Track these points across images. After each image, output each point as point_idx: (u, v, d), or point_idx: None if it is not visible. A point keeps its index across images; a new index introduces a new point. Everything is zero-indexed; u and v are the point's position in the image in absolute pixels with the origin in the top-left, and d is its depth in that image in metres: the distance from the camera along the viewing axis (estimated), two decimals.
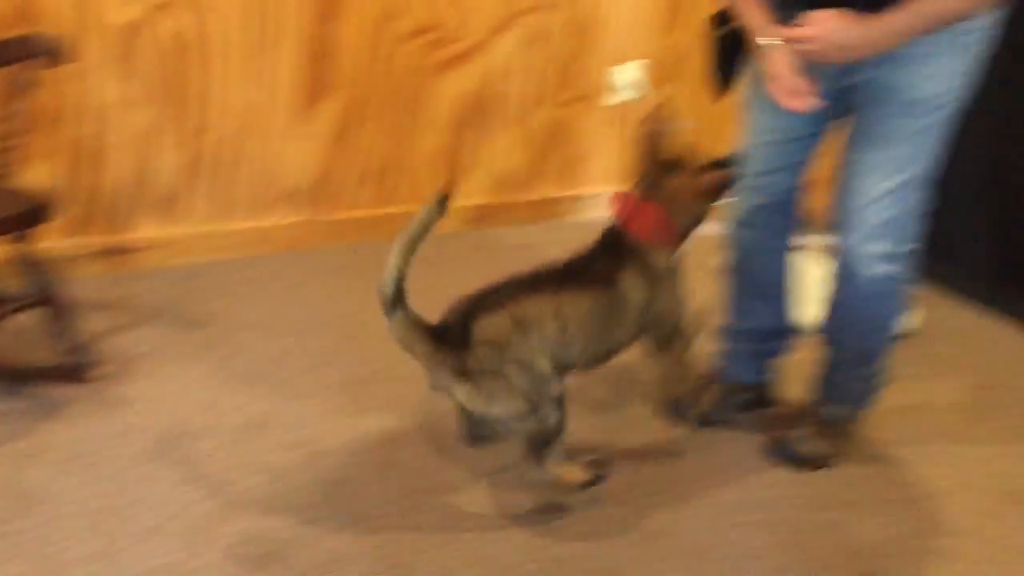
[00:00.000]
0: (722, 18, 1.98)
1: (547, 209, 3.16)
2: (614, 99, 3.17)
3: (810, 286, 2.59)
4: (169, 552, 1.64)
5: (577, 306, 1.75)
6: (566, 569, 1.71)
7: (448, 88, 2.83)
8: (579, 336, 1.76)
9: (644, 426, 2.15)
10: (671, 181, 1.84)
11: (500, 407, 1.68)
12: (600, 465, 1.87)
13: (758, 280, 2.14)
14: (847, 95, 1.88)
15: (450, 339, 1.68)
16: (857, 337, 2.05)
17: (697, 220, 1.90)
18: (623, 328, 1.83)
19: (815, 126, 1.98)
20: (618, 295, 1.79)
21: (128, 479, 1.80)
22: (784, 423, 2.16)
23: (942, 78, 1.80)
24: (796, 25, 1.75)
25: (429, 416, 2.09)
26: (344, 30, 2.59)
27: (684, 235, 1.89)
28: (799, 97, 1.83)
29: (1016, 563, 1.87)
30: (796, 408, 2.20)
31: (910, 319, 2.71)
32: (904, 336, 2.66)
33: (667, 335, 1.91)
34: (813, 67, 1.84)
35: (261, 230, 2.66)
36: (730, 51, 2.00)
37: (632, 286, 1.80)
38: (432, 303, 2.53)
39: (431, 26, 2.72)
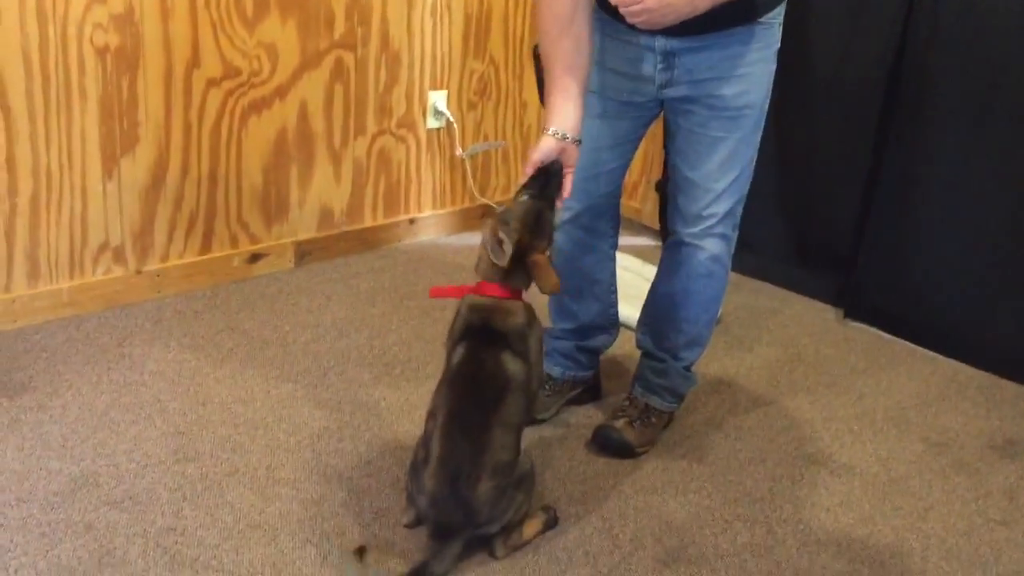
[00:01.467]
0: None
1: (372, 238, 3.24)
2: (429, 125, 3.28)
3: (630, 286, 2.77)
4: None
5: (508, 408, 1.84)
6: None
7: (263, 129, 2.88)
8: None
9: None
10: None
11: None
12: (546, 507, 1.98)
13: (582, 280, 2.29)
14: (674, 105, 2.06)
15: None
16: (687, 320, 2.22)
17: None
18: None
19: (632, 133, 2.15)
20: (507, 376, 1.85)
21: None
22: (607, 414, 2.31)
23: (758, 86, 2.04)
24: None
25: (256, 456, 2.14)
26: (145, 82, 2.61)
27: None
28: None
29: (812, 521, 2.06)
30: (620, 399, 2.34)
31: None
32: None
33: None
34: (639, 86, 2.01)
35: (80, 288, 2.65)
36: None
37: (514, 362, 1.86)
38: (266, 344, 2.58)
39: (237, 70, 2.77)
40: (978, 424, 2.48)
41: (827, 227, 3.09)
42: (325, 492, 2.03)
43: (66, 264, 2.62)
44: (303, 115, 2.97)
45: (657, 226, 3.50)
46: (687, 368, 2.29)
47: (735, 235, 2.17)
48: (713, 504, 2.09)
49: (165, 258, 2.81)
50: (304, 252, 3.09)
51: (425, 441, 1.84)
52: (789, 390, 2.59)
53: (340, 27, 2.96)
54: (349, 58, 3.02)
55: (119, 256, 2.71)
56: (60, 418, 2.21)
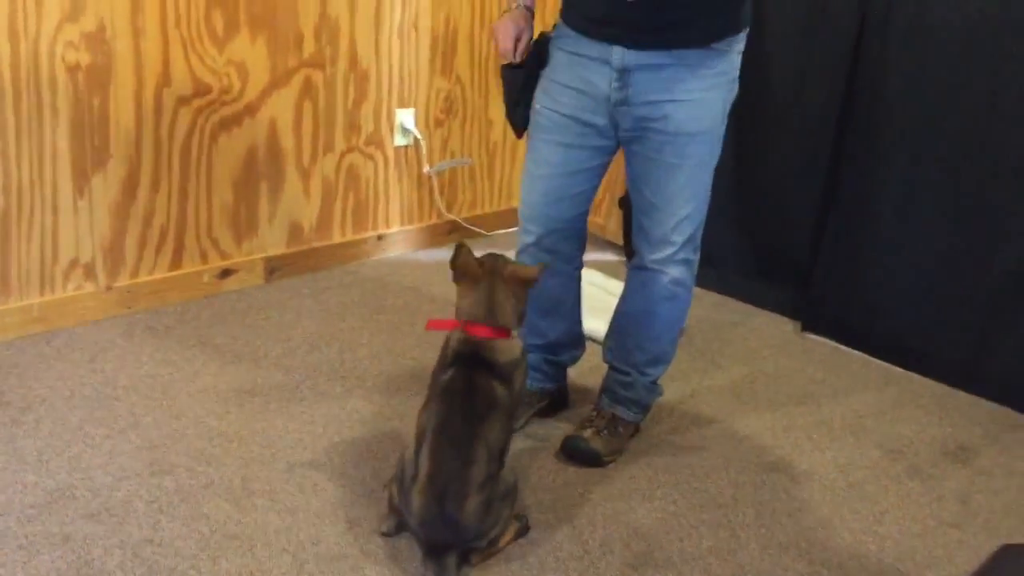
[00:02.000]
0: (510, 70, 2.20)
1: (341, 253, 3.28)
2: (397, 143, 3.34)
3: (595, 300, 2.84)
4: None
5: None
6: None
7: (233, 146, 2.92)
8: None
9: None
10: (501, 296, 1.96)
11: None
12: (518, 515, 2.02)
13: (549, 300, 2.34)
14: (629, 134, 2.12)
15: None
16: (651, 340, 2.29)
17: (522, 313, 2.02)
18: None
19: (596, 159, 2.20)
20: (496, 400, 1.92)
21: None
22: (576, 425, 2.37)
23: (715, 112, 2.11)
24: None
25: (231, 468, 2.17)
26: (115, 101, 2.64)
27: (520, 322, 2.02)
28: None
29: (773, 526, 2.13)
30: (587, 410, 2.41)
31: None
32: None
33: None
34: (595, 104, 2.08)
35: (50, 304, 2.66)
36: (519, 96, 2.22)
37: (498, 388, 1.92)
38: (238, 359, 2.62)
39: (207, 88, 2.81)
40: (931, 432, 2.58)
41: (785, 243, 3.19)
42: (300, 503, 2.06)
43: (36, 280, 2.63)
44: (273, 132, 3.01)
45: (621, 242, 3.58)
46: (653, 382, 2.36)
47: (696, 257, 2.24)
48: (679, 510, 2.16)
49: (135, 274, 2.82)
50: (274, 267, 3.12)
51: (413, 460, 1.88)
52: (751, 400, 2.67)
53: (309, 46, 3.01)
54: (318, 76, 3.07)
55: (90, 272, 2.73)
56: (34, 433, 2.22)
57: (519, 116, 2.23)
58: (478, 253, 2.01)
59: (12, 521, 1.93)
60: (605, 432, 2.30)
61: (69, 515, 1.96)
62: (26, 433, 2.22)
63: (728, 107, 2.13)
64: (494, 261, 2.00)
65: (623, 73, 2.04)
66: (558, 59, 2.14)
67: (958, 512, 2.23)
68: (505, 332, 1.97)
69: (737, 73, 2.12)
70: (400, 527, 1.94)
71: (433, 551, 1.84)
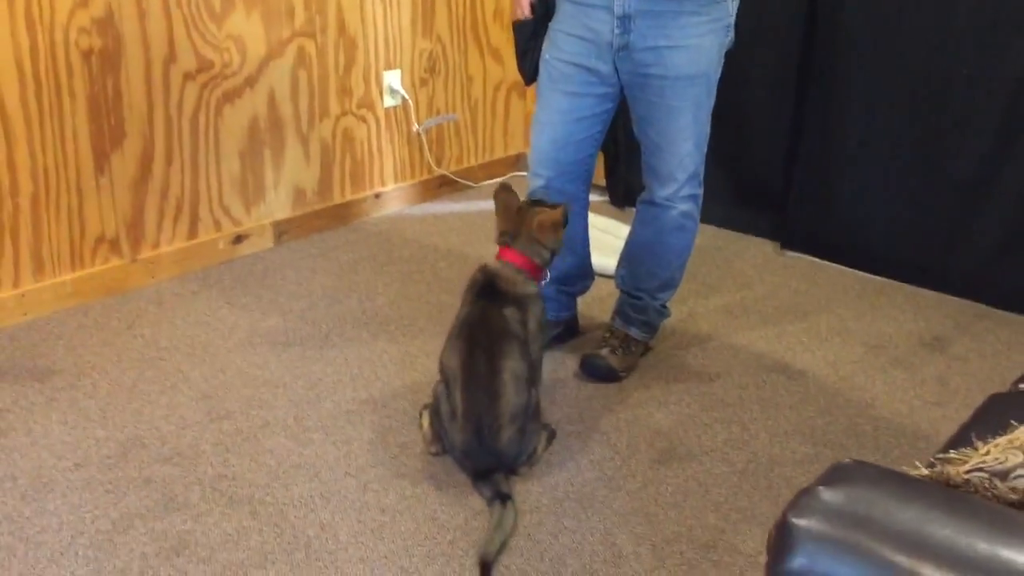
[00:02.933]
0: (519, 23, 2.39)
1: (342, 213, 3.45)
2: (386, 104, 3.50)
3: (598, 236, 3.06)
4: (87, 562, 1.85)
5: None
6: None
7: (237, 117, 3.06)
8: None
9: None
10: (528, 233, 2.16)
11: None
12: (544, 424, 2.23)
13: None
14: (631, 78, 2.29)
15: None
16: (661, 267, 2.51)
17: (553, 252, 2.22)
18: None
19: (601, 106, 2.37)
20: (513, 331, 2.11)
21: (24, 515, 1.97)
22: (590, 345, 2.59)
23: (713, 55, 2.30)
24: None
25: (282, 410, 2.36)
26: (127, 81, 2.77)
27: (545, 266, 2.22)
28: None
29: (778, 417, 2.37)
30: (599, 333, 2.62)
31: None
32: None
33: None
34: (598, 51, 2.24)
35: (81, 279, 2.81)
36: (527, 46, 2.40)
37: (513, 318, 2.11)
38: (266, 315, 2.80)
39: (210, 63, 2.95)
40: (908, 327, 2.83)
41: (760, 169, 3.41)
42: (352, 434, 2.26)
43: (67, 257, 2.78)
44: (272, 102, 3.16)
45: (603, 183, 3.78)
46: (662, 305, 2.58)
47: (700, 191, 2.45)
48: (692, 412, 2.39)
49: (157, 245, 2.98)
50: (282, 231, 3.29)
51: (446, 394, 2.07)
52: (743, 315, 2.90)
53: (300, 16, 3.16)
54: (310, 45, 3.21)
55: (115, 246, 2.88)
56: (93, 394, 2.39)
57: (528, 66, 2.42)
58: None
59: (94, 470, 2.11)
60: (620, 350, 2.51)
61: (144, 460, 2.15)
62: (86, 395, 2.39)
63: (723, 52, 2.32)
64: (528, 208, 2.19)
65: (624, 20, 2.22)
66: (563, 9, 2.32)
67: (939, 392, 2.49)
68: (534, 268, 2.17)
69: (732, 20, 2.30)
70: (444, 447, 2.15)
71: (480, 475, 2.05)
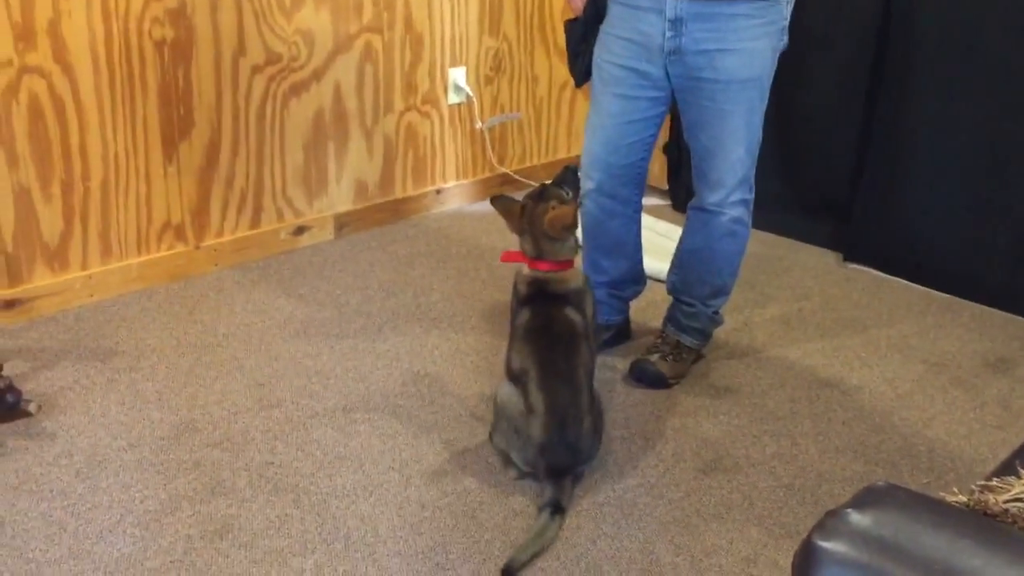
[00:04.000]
0: (571, 24, 2.39)
1: (403, 208, 3.48)
2: (450, 101, 3.52)
3: (656, 240, 3.04)
4: (133, 541, 1.90)
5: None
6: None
7: (302, 110, 3.11)
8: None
9: None
10: (544, 234, 2.11)
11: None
12: None
13: (611, 241, 2.53)
14: (682, 82, 2.27)
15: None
16: (712, 273, 2.48)
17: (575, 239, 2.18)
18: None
19: (653, 109, 2.36)
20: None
21: (77, 491, 2.03)
22: (641, 350, 2.57)
23: (762, 60, 2.26)
24: None
25: (332, 401, 2.39)
26: (197, 72, 2.84)
27: (573, 254, 2.18)
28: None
29: (830, 433, 2.33)
30: (650, 339, 2.60)
31: None
32: None
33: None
34: (649, 54, 2.23)
35: (147, 264, 2.88)
36: (577, 49, 2.41)
37: (574, 316, 2.12)
38: (322, 307, 2.84)
39: (278, 56, 3.00)
40: (972, 347, 2.75)
41: (824, 177, 3.35)
42: (398, 428, 2.28)
43: (134, 242, 2.86)
44: (337, 96, 3.20)
45: (665, 186, 3.76)
46: (714, 312, 2.55)
47: (751, 196, 2.41)
48: (741, 423, 2.36)
49: (220, 234, 3.04)
50: (343, 223, 3.33)
51: (520, 395, 2.04)
52: (800, 326, 2.85)
53: (368, 12, 3.19)
54: (377, 41, 3.25)
55: (180, 233, 2.95)
56: (151, 377, 2.45)
57: (579, 68, 2.41)
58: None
59: (147, 451, 2.17)
60: (670, 357, 2.49)
61: (196, 444, 2.20)
62: (144, 377, 2.45)
63: (777, 55, 2.28)
64: (534, 207, 2.13)
65: (676, 23, 2.20)
66: (614, 12, 2.31)
67: (1000, 415, 2.42)
68: (565, 264, 2.15)
69: (786, 23, 2.27)
70: (525, 471, 2.10)
71: (553, 474, 2.03)
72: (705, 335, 2.56)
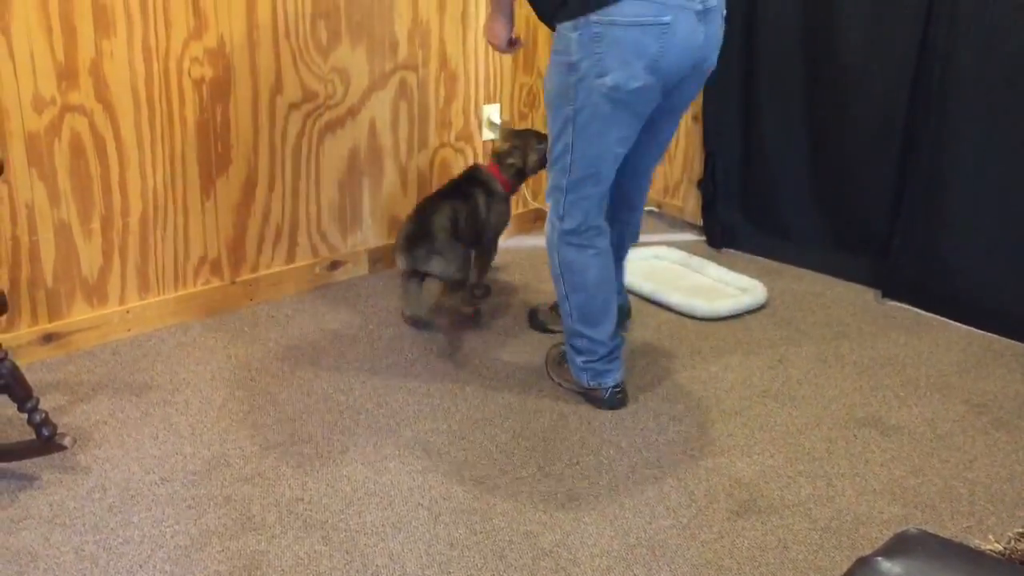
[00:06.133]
0: None
1: None
2: (485, 136, 3.54)
3: (680, 275, 3.02)
4: (165, 575, 1.91)
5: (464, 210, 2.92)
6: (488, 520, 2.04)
7: (338, 146, 3.15)
8: (465, 228, 2.91)
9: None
10: (509, 159, 3.07)
11: (445, 268, 2.83)
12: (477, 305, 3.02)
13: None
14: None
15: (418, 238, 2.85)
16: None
17: (520, 178, 3.12)
18: (478, 224, 2.96)
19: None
20: (476, 204, 2.96)
21: (109, 526, 2.04)
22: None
23: (551, 85, 2.37)
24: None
25: (362, 437, 2.39)
26: (235, 109, 2.88)
27: (516, 184, 3.11)
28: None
29: (867, 474, 2.28)
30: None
31: (759, 294, 3.15)
32: (758, 309, 3.11)
33: (485, 245, 3.04)
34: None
35: (182, 299, 2.92)
36: None
37: (481, 201, 2.97)
38: (355, 342, 2.85)
39: (314, 94, 3.04)
40: (1015, 387, 2.69)
41: (862, 214, 3.31)
42: (428, 465, 2.28)
43: (171, 276, 2.89)
44: (372, 132, 3.23)
45: (700, 222, 3.74)
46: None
47: (552, 210, 2.45)
48: (776, 463, 2.32)
49: (256, 268, 3.07)
50: (377, 258, 3.35)
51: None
52: (836, 363, 2.81)
53: (403, 50, 3.23)
54: (412, 78, 3.28)
55: (216, 268, 2.98)
56: (185, 411, 2.47)
57: None
58: None
59: (178, 486, 2.18)
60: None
61: (227, 479, 2.20)
62: (178, 411, 2.47)
63: (569, 90, 2.25)
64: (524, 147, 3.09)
65: None
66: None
67: None
68: (506, 183, 3.07)
69: (575, 58, 2.21)
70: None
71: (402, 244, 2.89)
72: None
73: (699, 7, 2.21)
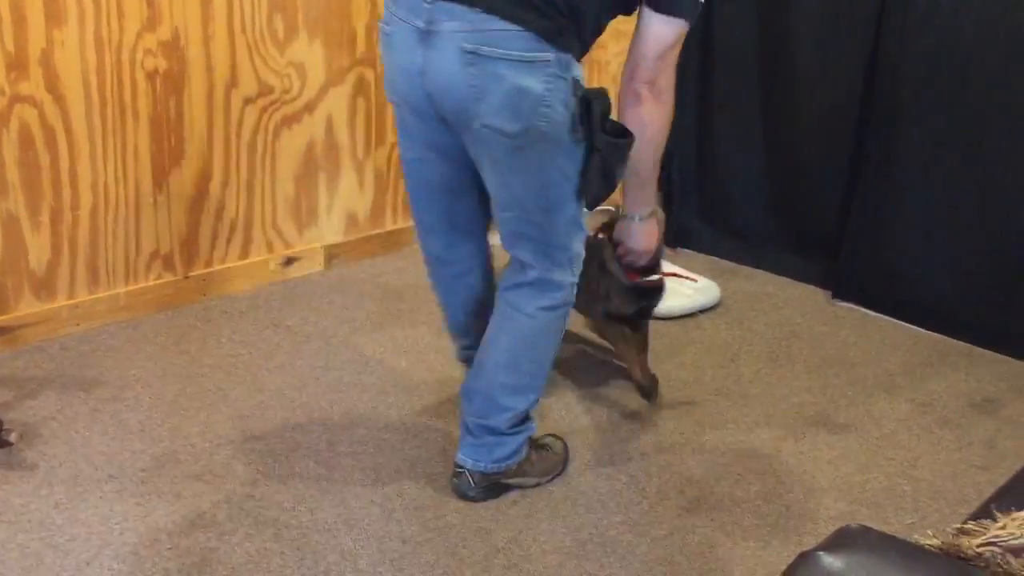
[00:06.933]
0: None
1: (393, 240, 3.49)
2: None
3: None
4: (111, 574, 1.88)
5: None
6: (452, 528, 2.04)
7: (294, 141, 3.12)
8: None
9: None
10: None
11: None
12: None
13: None
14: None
15: None
16: None
17: None
18: None
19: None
20: None
21: (56, 523, 2.01)
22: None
23: None
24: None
25: (315, 434, 2.38)
26: (189, 102, 2.85)
27: None
28: None
29: (815, 472, 2.32)
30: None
31: (713, 293, 3.18)
32: (712, 308, 3.14)
33: None
34: None
35: (134, 293, 2.88)
36: None
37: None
38: (309, 338, 2.83)
39: (270, 88, 3.02)
40: (959, 387, 2.75)
41: (814, 216, 3.36)
42: (381, 461, 2.27)
43: (122, 271, 2.85)
44: (329, 128, 3.22)
45: None
46: None
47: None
48: (726, 461, 2.35)
49: (209, 263, 3.04)
50: (333, 255, 3.33)
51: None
52: (787, 363, 2.85)
53: (361, 45, 3.21)
54: (370, 74, 3.27)
55: (168, 263, 2.95)
56: (135, 407, 2.44)
57: None
58: None
59: (127, 482, 2.15)
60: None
61: (176, 476, 2.18)
62: (128, 408, 2.44)
63: None
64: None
65: None
66: None
67: (986, 456, 2.41)
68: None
69: None
70: None
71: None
72: None
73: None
